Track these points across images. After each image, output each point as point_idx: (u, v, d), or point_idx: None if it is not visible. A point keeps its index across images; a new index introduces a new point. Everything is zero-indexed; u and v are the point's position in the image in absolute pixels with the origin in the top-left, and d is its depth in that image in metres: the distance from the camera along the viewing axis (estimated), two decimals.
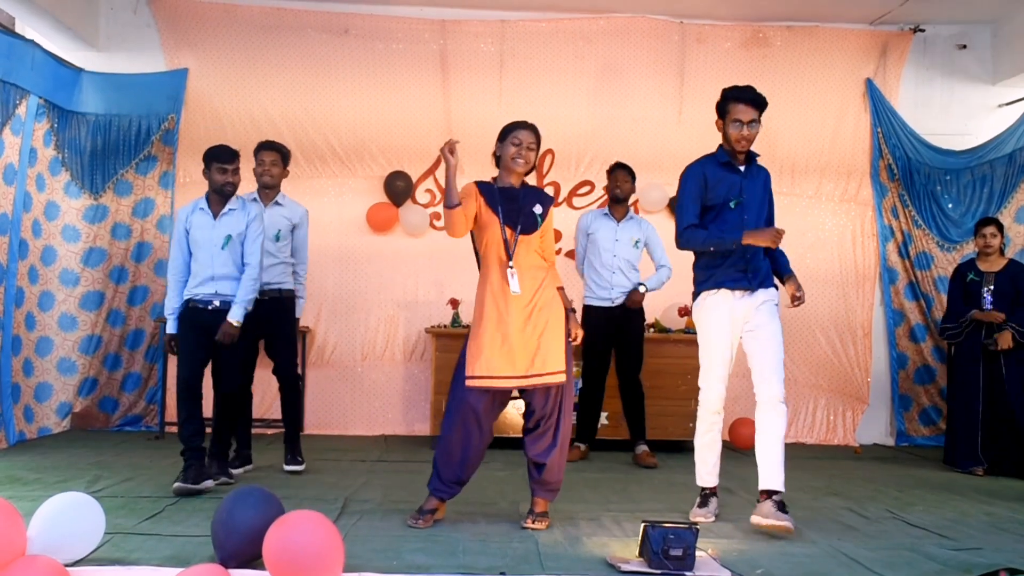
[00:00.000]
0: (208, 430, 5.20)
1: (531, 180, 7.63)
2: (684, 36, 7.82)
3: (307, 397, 7.48)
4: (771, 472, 4.23)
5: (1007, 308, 6.33)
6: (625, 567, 3.47)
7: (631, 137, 7.65)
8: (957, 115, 8.05)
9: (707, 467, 4.50)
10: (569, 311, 4.34)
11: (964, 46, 8.06)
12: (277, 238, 5.65)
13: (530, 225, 4.26)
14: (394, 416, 7.62)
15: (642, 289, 6.32)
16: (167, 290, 5.24)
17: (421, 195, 7.70)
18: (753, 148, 4.49)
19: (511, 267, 4.18)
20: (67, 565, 3.21)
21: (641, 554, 3.56)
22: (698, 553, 3.52)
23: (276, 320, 5.63)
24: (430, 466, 4.31)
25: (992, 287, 6.42)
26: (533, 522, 4.20)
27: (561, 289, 4.36)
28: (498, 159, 4.40)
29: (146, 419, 7.35)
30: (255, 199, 5.67)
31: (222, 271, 5.10)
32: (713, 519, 4.44)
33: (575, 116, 7.74)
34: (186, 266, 5.15)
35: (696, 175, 4.44)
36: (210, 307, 5.08)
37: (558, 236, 7.69)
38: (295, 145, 7.53)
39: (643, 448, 6.35)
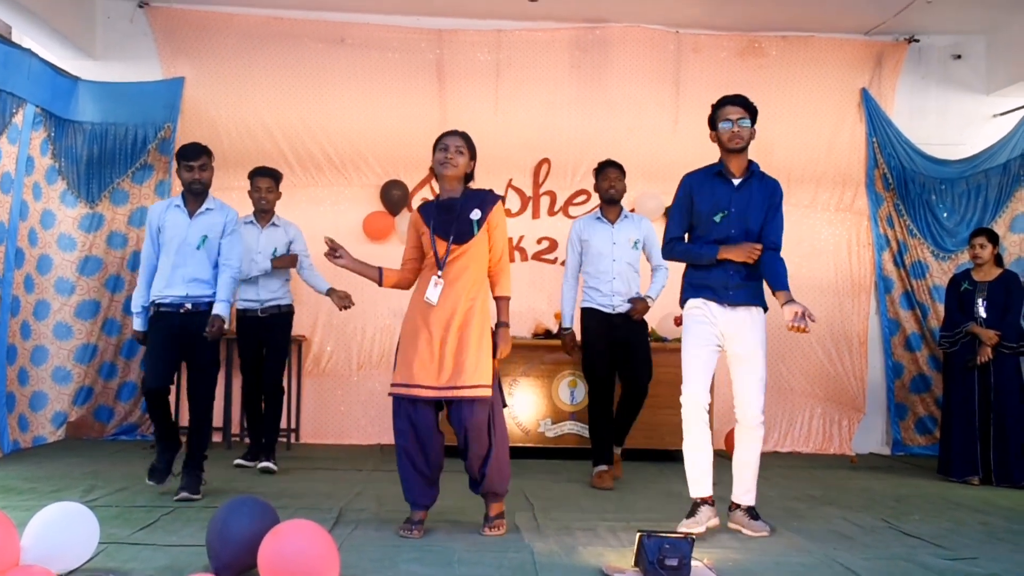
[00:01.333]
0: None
1: (527, 188, 7.76)
2: (680, 46, 7.84)
3: (302, 406, 7.49)
4: (746, 488, 4.40)
5: (999, 317, 6.34)
6: None
7: (627, 146, 7.65)
8: (952, 125, 8.08)
9: (697, 473, 4.36)
10: (499, 325, 4.29)
11: (959, 56, 8.10)
12: (275, 256, 6.08)
13: (465, 233, 4.21)
14: (389, 425, 7.46)
15: (649, 301, 5.95)
16: (137, 285, 5.11)
17: (417, 204, 7.70)
18: (750, 157, 4.50)
19: (438, 276, 4.18)
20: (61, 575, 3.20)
21: (637, 564, 3.56)
22: (694, 563, 3.52)
23: (271, 332, 6.05)
24: None
25: (985, 296, 6.42)
26: (490, 529, 4.25)
27: (503, 299, 4.33)
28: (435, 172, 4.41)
29: (141, 428, 7.33)
30: (251, 221, 6.06)
31: (195, 272, 4.99)
32: (703, 530, 4.28)
33: (571, 125, 7.76)
34: (156, 263, 5.05)
35: (683, 187, 4.49)
36: (181, 310, 4.94)
37: (553, 245, 7.72)
38: (291, 154, 7.59)
39: (616, 452, 6.01)
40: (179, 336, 4.92)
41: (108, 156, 7.37)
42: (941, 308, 7.19)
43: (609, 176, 6.01)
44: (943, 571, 3.75)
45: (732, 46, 7.88)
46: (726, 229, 4.36)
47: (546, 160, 7.82)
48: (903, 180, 7.85)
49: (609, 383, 5.91)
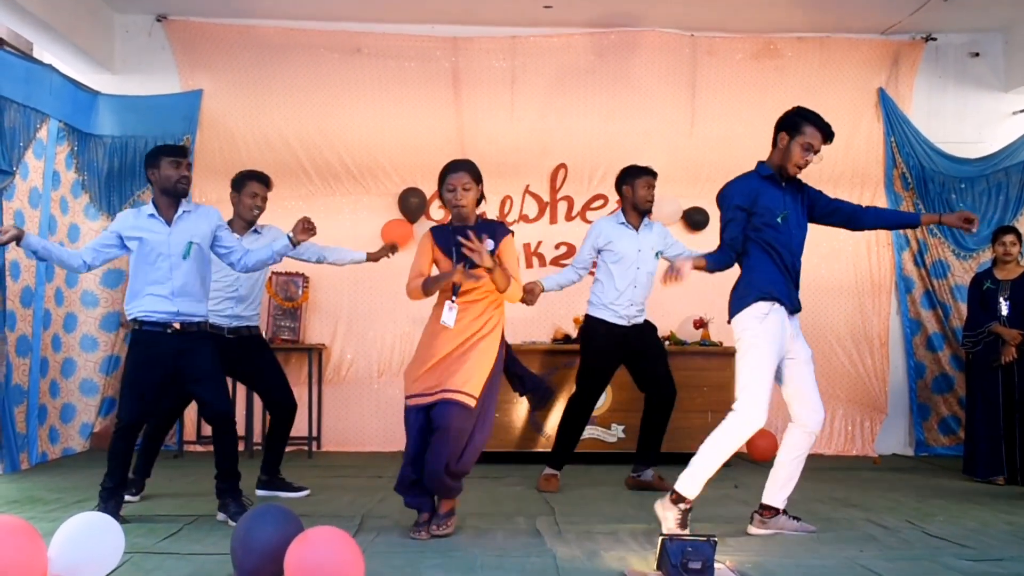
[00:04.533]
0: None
1: (544, 194, 7.77)
2: (695, 49, 7.83)
3: (323, 414, 7.52)
4: (786, 492, 4.46)
5: (1022, 316, 6.30)
6: None
7: (644, 150, 7.58)
8: (970, 123, 8.03)
9: (706, 477, 4.21)
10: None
11: (976, 54, 8.05)
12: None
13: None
14: None
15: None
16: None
17: (435, 211, 7.73)
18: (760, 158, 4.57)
19: (452, 301, 4.32)
20: None
21: (659, 567, 3.55)
22: (717, 566, 3.51)
23: (251, 355, 5.27)
24: None
25: (1008, 295, 6.38)
26: (438, 528, 4.30)
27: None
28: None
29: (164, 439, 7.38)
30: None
31: (183, 286, 4.45)
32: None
33: (587, 130, 7.76)
34: (96, 251, 4.52)
35: (742, 196, 4.37)
36: (169, 330, 4.43)
37: (571, 251, 7.73)
38: (309, 164, 7.64)
39: (653, 472, 5.78)
40: (169, 364, 4.44)
41: (128, 169, 7.43)
42: (963, 307, 7.14)
43: (647, 184, 5.65)
44: (968, 572, 3.72)
45: (747, 48, 7.87)
46: (787, 229, 4.40)
47: (563, 165, 7.83)
48: (922, 179, 7.81)
49: (597, 396, 5.86)
